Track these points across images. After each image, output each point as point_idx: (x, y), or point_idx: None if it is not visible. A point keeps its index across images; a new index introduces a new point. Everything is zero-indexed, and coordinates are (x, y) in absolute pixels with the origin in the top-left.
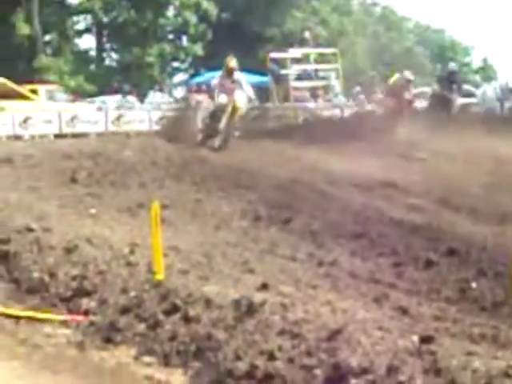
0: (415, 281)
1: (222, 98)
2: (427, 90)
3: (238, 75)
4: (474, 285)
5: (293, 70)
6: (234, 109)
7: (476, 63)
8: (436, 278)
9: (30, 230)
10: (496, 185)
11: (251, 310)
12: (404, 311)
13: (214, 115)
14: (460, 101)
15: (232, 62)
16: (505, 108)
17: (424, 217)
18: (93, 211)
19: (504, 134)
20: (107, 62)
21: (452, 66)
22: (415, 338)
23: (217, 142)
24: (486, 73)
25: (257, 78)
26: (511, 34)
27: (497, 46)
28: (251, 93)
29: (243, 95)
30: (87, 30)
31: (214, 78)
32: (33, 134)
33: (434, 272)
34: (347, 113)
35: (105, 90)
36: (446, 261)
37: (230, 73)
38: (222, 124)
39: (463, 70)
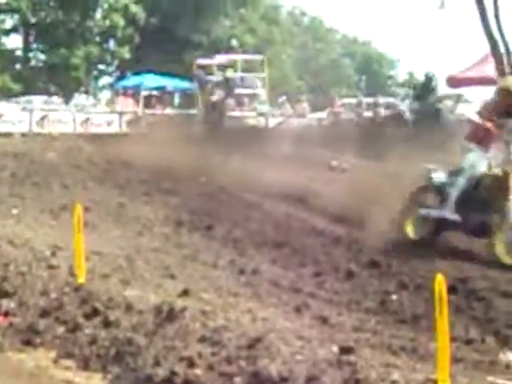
0: (336, 291)
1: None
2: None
3: None
4: (394, 297)
5: (218, 77)
6: None
7: (402, 76)
8: (357, 289)
9: None
10: None
11: (172, 315)
12: (324, 321)
13: None
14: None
15: None
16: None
17: (346, 228)
18: (15, 212)
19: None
20: (33, 62)
21: None
22: (335, 348)
23: None
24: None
25: (183, 84)
26: (435, 49)
27: (423, 60)
28: None
29: None
30: (14, 30)
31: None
32: None
33: (355, 283)
34: (272, 122)
35: (30, 90)
36: (367, 272)
37: None
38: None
39: (388, 82)
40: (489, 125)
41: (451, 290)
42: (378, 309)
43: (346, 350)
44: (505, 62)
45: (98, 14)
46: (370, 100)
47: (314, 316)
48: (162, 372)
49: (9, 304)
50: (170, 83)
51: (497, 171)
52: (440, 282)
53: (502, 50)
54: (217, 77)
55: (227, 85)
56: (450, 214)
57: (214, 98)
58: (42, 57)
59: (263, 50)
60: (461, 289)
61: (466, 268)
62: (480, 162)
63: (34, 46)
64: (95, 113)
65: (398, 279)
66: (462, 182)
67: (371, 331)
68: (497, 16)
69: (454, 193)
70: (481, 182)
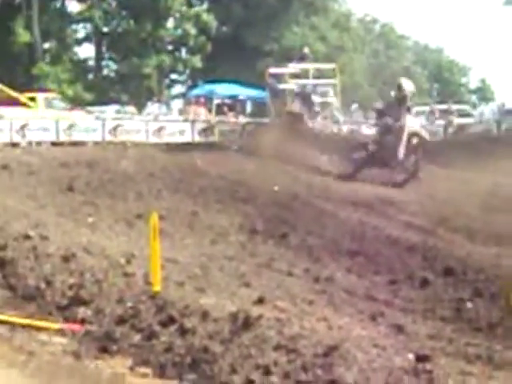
0: (411, 299)
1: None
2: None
3: None
4: (469, 305)
5: (291, 85)
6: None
7: (473, 84)
8: (432, 297)
9: (28, 237)
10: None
11: (247, 323)
12: (399, 329)
13: None
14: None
15: None
16: (502, 129)
17: (421, 235)
18: (90, 220)
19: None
20: (106, 71)
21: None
22: (411, 357)
23: None
24: (484, 94)
25: (255, 92)
26: (509, 55)
27: (495, 67)
28: None
29: None
30: (86, 39)
31: (214, 91)
32: (30, 141)
33: (430, 291)
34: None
35: (103, 99)
36: (442, 280)
37: None
38: None
39: (460, 90)
40: None
41: None
42: (454, 317)
43: (421, 358)
44: None
45: (170, 23)
46: (442, 107)
47: (389, 324)
48: (238, 380)
49: (85, 312)
50: (242, 92)
51: None
52: None
53: None
54: (291, 85)
55: (304, 94)
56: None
57: (295, 107)
58: (114, 66)
59: (334, 58)
60: None
61: None
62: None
63: (106, 55)
64: (168, 121)
65: (473, 287)
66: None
67: (446, 339)
68: None
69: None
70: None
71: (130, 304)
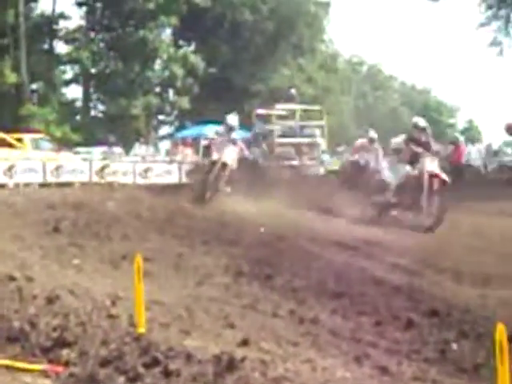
0: (396, 340)
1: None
2: None
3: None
4: (454, 346)
5: (278, 126)
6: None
7: (461, 124)
8: (417, 338)
9: (12, 278)
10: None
11: (231, 365)
12: (384, 371)
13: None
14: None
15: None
16: (488, 169)
17: (406, 276)
18: (75, 262)
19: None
20: (93, 112)
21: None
22: None
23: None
24: (471, 134)
25: (242, 133)
26: (496, 96)
27: (482, 108)
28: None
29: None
30: (74, 80)
31: (202, 132)
32: (17, 183)
33: (415, 332)
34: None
35: (90, 140)
36: (428, 321)
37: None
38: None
39: (448, 131)
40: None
41: None
42: (439, 358)
43: None
44: None
45: (158, 65)
46: None
47: (374, 366)
48: None
49: (69, 354)
50: None
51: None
52: (501, 332)
53: None
54: (277, 126)
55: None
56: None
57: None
58: (102, 107)
59: (322, 99)
60: None
61: None
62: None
63: (94, 96)
64: (155, 163)
65: (458, 328)
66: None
67: (431, 381)
68: None
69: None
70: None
71: (114, 346)
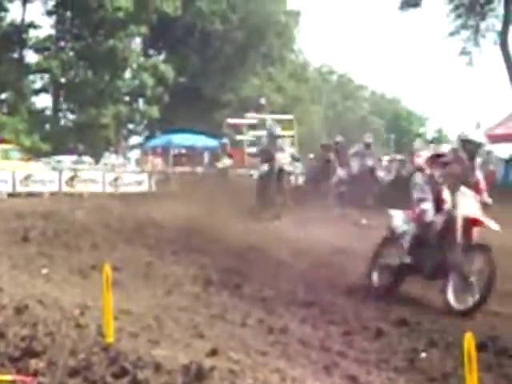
0: (365, 350)
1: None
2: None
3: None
4: (423, 355)
5: (248, 136)
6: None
7: (430, 133)
8: (386, 348)
9: None
10: None
11: (200, 375)
12: (353, 380)
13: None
14: None
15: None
16: None
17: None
18: (44, 271)
19: None
20: (63, 121)
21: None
22: None
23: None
24: (441, 143)
25: (212, 142)
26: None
27: (451, 117)
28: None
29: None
30: (44, 89)
31: (171, 141)
32: None
33: (384, 341)
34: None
35: (60, 149)
36: (397, 331)
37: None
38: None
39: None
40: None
41: (481, 347)
42: (408, 367)
43: None
44: None
45: (127, 74)
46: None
47: (343, 375)
48: None
49: (38, 364)
50: (199, 142)
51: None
52: (469, 340)
53: None
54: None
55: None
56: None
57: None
58: (72, 116)
59: (292, 109)
60: (491, 346)
61: (496, 325)
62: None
63: (64, 105)
64: (125, 172)
65: (427, 337)
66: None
67: None
68: None
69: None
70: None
71: (82, 356)
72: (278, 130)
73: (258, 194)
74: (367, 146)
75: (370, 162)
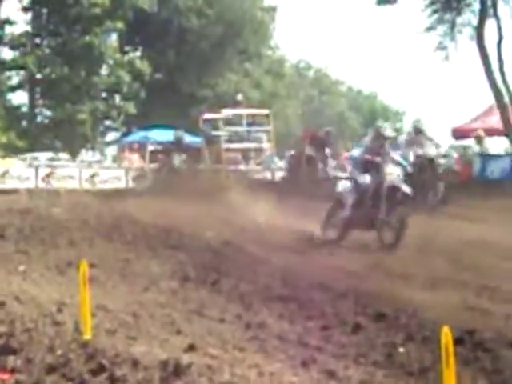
0: (343, 345)
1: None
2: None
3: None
4: (401, 349)
5: (225, 132)
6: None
7: (407, 128)
8: (364, 342)
9: None
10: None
11: (178, 371)
12: (331, 375)
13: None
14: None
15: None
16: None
17: (353, 280)
18: (21, 268)
19: None
20: (39, 118)
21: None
22: None
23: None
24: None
25: (189, 139)
26: (442, 100)
27: (428, 112)
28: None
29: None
30: (20, 86)
31: (147, 137)
32: None
33: (362, 336)
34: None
35: (36, 146)
36: (375, 325)
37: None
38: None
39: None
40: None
41: (458, 341)
42: (386, 362)
43: None
44: (509, 112)
45: (104, 70)
46: None
47: (321, 370)
48: None
49: (15, 361)
50: None
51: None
52: (446, 334)
53: (507, 101)
54: (224, 131)
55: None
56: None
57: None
58: (48, 113)
59: (269, 104)
60: (468, 340)
61: (473, 319)
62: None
63: (40, 102)
64: (101, 168)
65: (405, 331)
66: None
67: None
68: (501, 69)
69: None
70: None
71: (60, 352)
72: (389, 132)
73: (346, 223)
74: (418, 131)
75: (430, 151)
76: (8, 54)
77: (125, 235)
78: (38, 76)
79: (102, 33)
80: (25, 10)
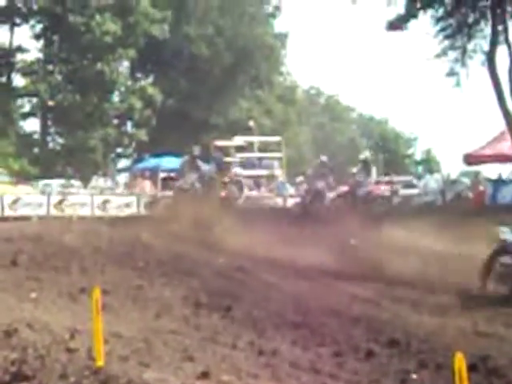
0: (356, 371)
1: None
2: None
3: None
4: (414, 376)
5: (236, 158)
6: None
7: (419, 154)
8: (376, 369)
9: None
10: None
11: None
12: None
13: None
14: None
15: None
16: (446, 199)
17: (365, 306)
18: (33, 295)
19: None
20: (51, 145)
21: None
22: None
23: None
24: (429, 164)
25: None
26: (453, 126)
27: (439, 138)
28: None
29: None
30: (32, 113)
31: (159, 164)
32: None
33: (375, 362)
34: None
35: (48, 173)
36: (387, 351)
37: None
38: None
39: (405, 161)
40: None
41: (471, 368)
42: None
43: None
44: None
45: (116, 97)
46: (386, 179)
47: None
48: None
49: None
50: None
51: None
52: (460, 361)
53: None
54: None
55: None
56: None
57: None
58: (60, 140)
59: (280, 131)
60: (481, 367)
61: (486, 346)
62: None
63: (52, 129)
64: (113, 195)
65: (418, 358)
66: None
67: None
68: None
69: None
70: None
71: (72, 379)
72: None
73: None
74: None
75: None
76: (20, 81)
77: (137, 261)
78: (50, 103)
79: (114, 60)
80: (37, 37)
